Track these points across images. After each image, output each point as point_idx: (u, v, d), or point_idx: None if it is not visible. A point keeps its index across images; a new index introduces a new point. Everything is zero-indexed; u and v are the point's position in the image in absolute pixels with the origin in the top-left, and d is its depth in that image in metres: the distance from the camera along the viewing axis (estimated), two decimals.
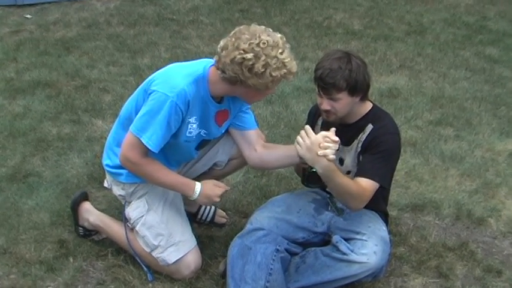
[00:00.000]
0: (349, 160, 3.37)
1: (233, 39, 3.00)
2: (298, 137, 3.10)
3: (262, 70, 2.96)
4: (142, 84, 3.29)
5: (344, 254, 3.15)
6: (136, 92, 3.32)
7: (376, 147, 3.23)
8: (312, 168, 3.19)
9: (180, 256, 3.34)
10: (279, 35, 3.05)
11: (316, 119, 3.50)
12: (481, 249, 3.76)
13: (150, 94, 3.09)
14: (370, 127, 3.29)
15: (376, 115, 3.35)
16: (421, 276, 3.51)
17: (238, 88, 3.11)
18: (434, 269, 3.56)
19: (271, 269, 3.16)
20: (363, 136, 3.30)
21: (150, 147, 3.08)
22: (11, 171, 4.43)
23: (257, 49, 2.94)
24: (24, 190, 4.20)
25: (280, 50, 2.98)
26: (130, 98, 3.38)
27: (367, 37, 7.45)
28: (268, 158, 3.43)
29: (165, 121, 3.04)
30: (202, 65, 3.19)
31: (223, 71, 3.05)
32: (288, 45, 3.06)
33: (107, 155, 3.49)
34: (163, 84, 3.07)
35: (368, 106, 3.36)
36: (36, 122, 5.16)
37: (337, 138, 3.04)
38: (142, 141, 3.07)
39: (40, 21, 7.82)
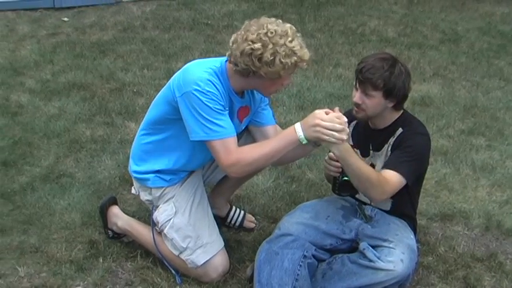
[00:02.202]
0: (380, 165, 3.36)
1: (242, 32, 3.04)
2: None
3: (271, 58, 2.97)
4: (164, 92, 3.31)
5: (371, 261, 3.14)
6: (159, 98, 3.36)
7: (403, 144, 3.25)
8: (344, 176, 3.20)
9: (208, 258, 3.36)
10: (289, 25, 3.07)
11: (348, 125, 3.50)
12: (510, 261, 3.73)
13: (181, 98, 3.09)
14: (400, 130, 3.31)
15: (406, 120, 3.37)
16: (448, 286, 3.49)
17: (252, 80, 3.12)
18: (461, 280, 3.54)
19: (298, 274, 3.17)
20: (392, 139, 3.32)
21: (228, 136, 3.07)
22: (45, 171, 4.51)
23: (265, 38, 2.97)
24: (57, 190, 4.26)
25: (289, 39, 2.99)
26: (153, 104, 3.42)
27: (401, 45, 7.44)
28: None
29: (210, 110, 3.04)
30: (219, 60, 3.22)
31: (235, 64, 3.08)
32: (298, 35, 3.08)
33: (133, 161, 3.53)
34: (186, 85, 3.07)
35: (400, 112, 3.38)
36: (71, 123, 5.24)
37: (345, 119, 3.02)
38: (218, 138, 3.06)
39: (77, 24, 7.93)
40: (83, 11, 8.44)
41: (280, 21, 3.09)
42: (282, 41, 2.97)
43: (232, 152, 3.07)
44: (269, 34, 2.97)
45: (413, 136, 3.27)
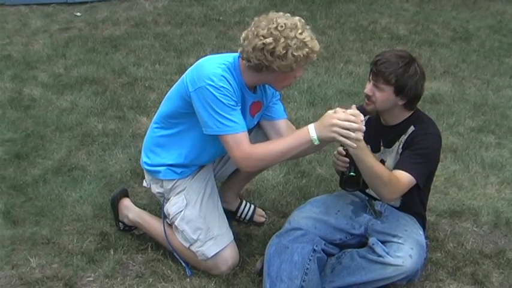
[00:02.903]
0: (391, 162, 3.38)
1: (253, 29, 3.07)
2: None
3: (284, 52, 2.99)
4: (177, 87, 3.34)
5: (380, 256, 3.16)
6: (172, 92, 3.39)
7: (416, 145, 3.25)
8: (350, 171, 3.22)
9: (218, 250, 3.39)
10: (297, 18, 3.09)
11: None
12: None
13: (194, 93, 3.11)
14: (412, 128, 3.32)
15: (419, 118, 3.38)
16: (457, 282, 3.50)
17: (265, 74, 3.15)
18: (470, 276, 3.55)
19: (308, 268, 3.18)
20: (404, 137, 3.33)
21: (240, 131, 3.11)
22: (57, 164, 4.55)
23: (275, 33, 2.99)
24: (69, 183, 4.30)
25: (299, 31, 3.01)
26: (166, 99, 3.45)
27: (412, 42, 7.44)
28: None
29: (223, 105, 3.07)
30: (232, 55, 3.25)
31: (248, 60, 3.11)
32: (307, 27, 3.10)
33: (145, 154, 3.56)
34: (200, 79, 3.09)
35: (411, 112, 3.38)
36: (83, 117, 5.28)
37: (362, 117, 3.03)
38: (230, 133, 3.09)
39: (89, 19, 7.98)
40: (95, 6, 8.50)
41: (289, 14, 3.11)
42: (292, 34, 2.99)
43: (244, 146, 3.10)
44: (279, 28, 2.99)
45: (426, 137, 3.28)
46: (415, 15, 8.52)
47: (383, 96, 3.23)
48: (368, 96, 3.28)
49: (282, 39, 2.99)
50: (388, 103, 3.26)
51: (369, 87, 3.27)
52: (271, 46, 2.99)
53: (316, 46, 3.09)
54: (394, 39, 7.58)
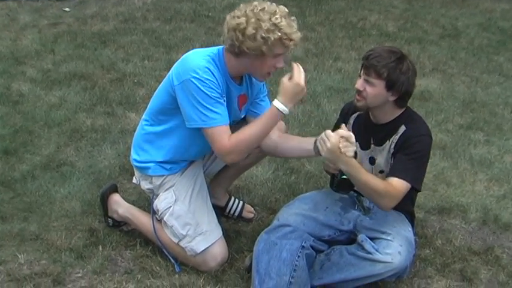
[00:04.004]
0: (382, 160, 3.38)
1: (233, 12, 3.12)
2: (320, 140, 3.12)
3: (253, 32, 3.01)
4: (164, 82, 3.36)
5: (369, 253, 3.16)
6: (160, 88, 3.40)
7: (409, 148, 3.24)
8: (342, 175, 3.22)
9: (207, 245, 3.39)
10: (282, 7, 3.10)
11: (348, 117, 3.53)
12: (507, 255, 3.75)
13: (179, 86, 3.14)
14: (403, 128, 3.30)
15: (409, 117, 3.36)
16: (445, 278, 3.51)
17: (243, 60, 3.15)
18: (458, 273, 3.56)
19: (296, 265, 3.17)
20: (395, 137, 3.31)
21: (224, 124, 3.15)
22: (45, 160, 4.53)
23: (249, 14, 3.03)
24: (57, 179, 4.29)
25: (276, 16, 3.02)
26: (154, 95, 3.46)
27: (401, 39, 7.46)
28: (282, 147, 3.45)
29: (208, 97, 3.09)
30: (217, 47, 3.27)
31: (226, 43, 3.13)
32: (293, 18, 3.10)
33: (134, 151, 3.56)
34: (184, 72, 3.13)
35: (402, 110, 3.37)
36: (71, 113, 5.26)
37: (353, 139, 3.07)
38: (214, 125, 3.12)
39: (78, 15, 7.95)
40: (84, 2, 8.48)
41: (275, 4, 3.11)
42: (266, 17, 3.01)
43: (226, 139, 3.13)
44: (255, 10, 3.03)
45: (419, 139, 3.26)
46: (404, 12, 8.54)
47: (374, 91, 3.21)
48: (359, 91, 3.27)
49: (253, 20, 3.01)
50: (379, 98, 3.25)
51: (359, 82, 3.26)
52: (242, 26, 3.02)
53: (294, 34, 3.08)
54: (383, 36, 7.60)
